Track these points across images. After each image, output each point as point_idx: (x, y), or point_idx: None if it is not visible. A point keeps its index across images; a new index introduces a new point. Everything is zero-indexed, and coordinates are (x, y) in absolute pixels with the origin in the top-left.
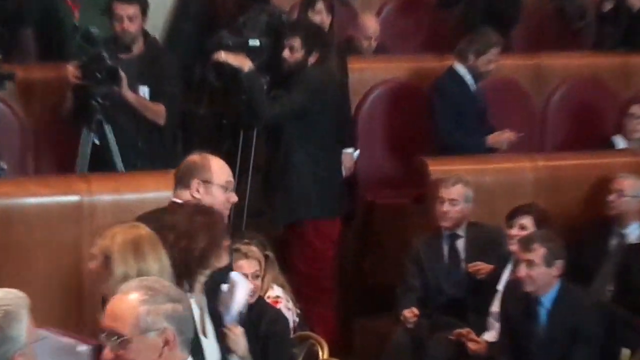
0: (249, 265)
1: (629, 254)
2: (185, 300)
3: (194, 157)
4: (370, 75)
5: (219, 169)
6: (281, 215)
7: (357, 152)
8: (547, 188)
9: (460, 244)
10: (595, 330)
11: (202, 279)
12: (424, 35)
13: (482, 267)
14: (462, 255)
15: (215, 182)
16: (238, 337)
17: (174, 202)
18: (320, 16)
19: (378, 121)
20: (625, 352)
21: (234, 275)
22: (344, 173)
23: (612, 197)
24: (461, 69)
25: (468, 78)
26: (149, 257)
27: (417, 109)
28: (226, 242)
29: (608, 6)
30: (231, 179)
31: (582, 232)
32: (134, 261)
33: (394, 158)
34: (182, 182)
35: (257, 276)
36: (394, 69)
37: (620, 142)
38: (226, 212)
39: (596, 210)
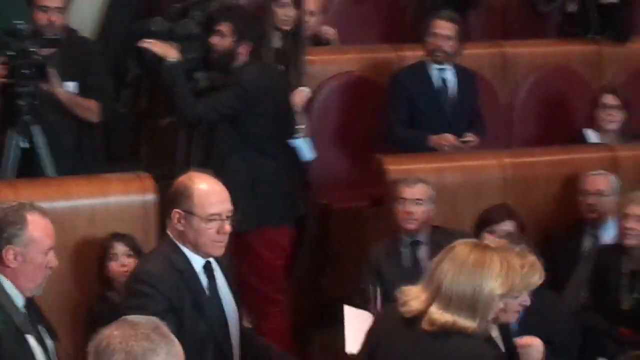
0: None
1: (604, 255)
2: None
3: (181, 180)
4: (320, 68)
5: (202, 198)
6: None
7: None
8: (515, 187)
9: (423, 251)
10: (570, 339)
11: None
12: (381, 24)
13: None
14: (426, 263)
15: (197, 214)
16: None
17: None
18: (284, 10)
19: (331, 117)
20: None
21: None
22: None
23: (591, 200)
24: (427, 59)
25: (434, 68)
26: None
27: (374, 103)
28: None
29: None
30: (220, 210)
31: (553, 233)
32: None
33: (349, 157)
34: (167, 210)
35: None
36: (347, 61)
37: (591, 135)
38: (219, 250)
39: (568, 210)
